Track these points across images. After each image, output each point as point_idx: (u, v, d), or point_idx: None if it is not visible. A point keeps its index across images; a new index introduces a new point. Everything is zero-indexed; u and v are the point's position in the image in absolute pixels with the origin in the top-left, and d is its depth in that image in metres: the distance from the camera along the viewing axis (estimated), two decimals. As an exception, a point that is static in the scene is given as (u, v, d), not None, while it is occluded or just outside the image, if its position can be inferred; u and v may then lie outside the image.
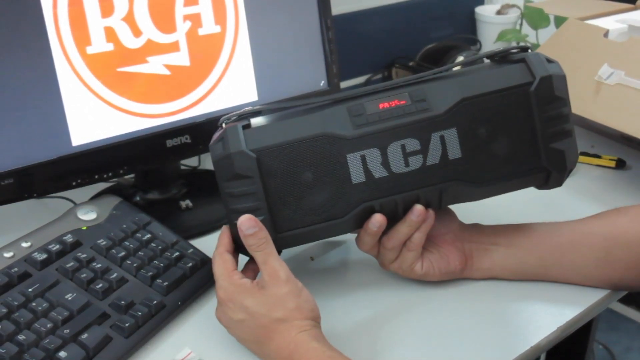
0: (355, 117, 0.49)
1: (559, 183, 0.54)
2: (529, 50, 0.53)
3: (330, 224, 0.50)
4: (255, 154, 0.48)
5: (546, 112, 0.51)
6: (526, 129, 0.51)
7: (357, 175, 0.49)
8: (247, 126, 0.49)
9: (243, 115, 0.50)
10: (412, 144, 0.49)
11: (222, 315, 0.49)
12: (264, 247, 0.48)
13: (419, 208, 0.50)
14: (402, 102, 0.49)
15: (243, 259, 0.52)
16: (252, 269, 0.52)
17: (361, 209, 0.50)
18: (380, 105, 0.49)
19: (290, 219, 0.49)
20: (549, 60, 0.52)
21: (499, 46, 1.10)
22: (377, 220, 0.50)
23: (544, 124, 0.51)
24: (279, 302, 0.46)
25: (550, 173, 0.52)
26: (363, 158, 0.49)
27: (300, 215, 0.49)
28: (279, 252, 0.52)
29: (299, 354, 0.44)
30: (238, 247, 0.51)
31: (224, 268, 0.49)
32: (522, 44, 1.09)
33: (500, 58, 0.54)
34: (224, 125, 0.50)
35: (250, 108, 0.51)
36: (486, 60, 0.56)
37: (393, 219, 0.51)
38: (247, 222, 0.48)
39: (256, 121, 0.50)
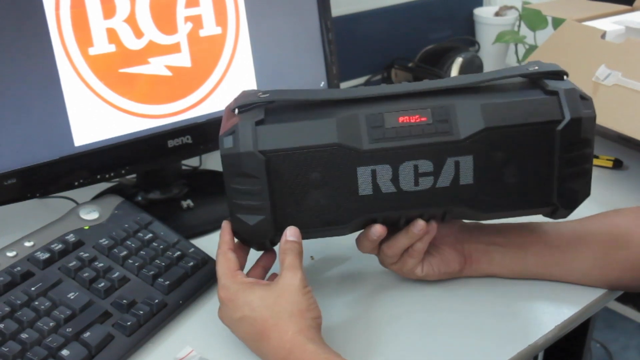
0: (373, 128, 0.47)
1: (564, 216, 0.52)
2: (565, 78, 0.50)
3: (330, 228, 0.50)
4: (265, 155, 0.46)
5: (568, 153, 0.48)
6: (544, 165, 0.49)
7: (364, 188, 0.48)
8: (261, 121, 0.47)
9: (257, 104, 0.48)
10: (426, 165, 0.47)
11: (223, 315, 0.49)
12: (295, 254, 0.48)
13: (421, 223, 0.49)
14: (423, 119, 0.47)
15: (252, 257, 0.52)
16: (262, 266, 0.52)
17: (363, 219, 0.49)
18: (400, 119, 0.47)
19: (292, 220, 0.49)
20: (583, 97, 0.49)
21: (498, 47, 1.11)
22: (377, 230, 0.50)
23: (564, 164, 0.49)
24: (281, 299, 0.46)
25: (558, 208, 0.51)
26: (374, 172, 0.47)
27: (302, 216, 0.49)
28: (275, 244, 0.52)
29: (294, 355, 0.44)
30: (241, 239, 0.51)
31: (227, 267, 0.49)
32: (520, 47, 1.09)
33: (533, 80, 0.50)
34: (236, 111, 0.48)
35: (265, 95, 0.49)
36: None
37: (394, 228, 0.51)
38: (293, 231, 0.49)
39: (270, 112, 0.48)
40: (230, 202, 0.49)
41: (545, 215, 0.53)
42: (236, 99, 0.50)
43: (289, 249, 0.48)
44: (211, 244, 0.61)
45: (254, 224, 0.49)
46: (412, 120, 0.47)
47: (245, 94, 0.51)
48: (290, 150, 0.47)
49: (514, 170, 0.49)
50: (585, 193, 0.51)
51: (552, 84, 0.49)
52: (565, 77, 0.51)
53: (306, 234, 0.50)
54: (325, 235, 0.52)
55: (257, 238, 0.50)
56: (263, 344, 0.46)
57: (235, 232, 0.51)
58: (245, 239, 0.51)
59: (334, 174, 0.47)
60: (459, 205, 0.49)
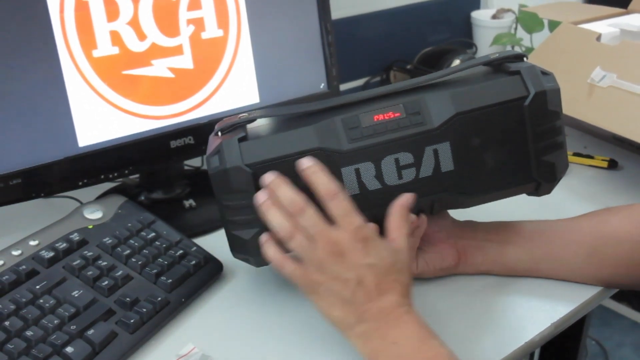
0: (350, 130, 0.48)
1: (548, 191, 0.54)
2: (525, 59, 0.53)
3: None
4: (252, 168, 0.47)
5: (539, 126, 0.50)
6: (518, 142, 0.51)
7: (351, 188, 0.49)
8: (244, 138, 0.49)
9: (238, 124, 0.50)
10: (406, 158, 0.49)
11: (337, 255, 0.44)
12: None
13: (411, 216, 0.50)
14: (396, 115, 0.49)
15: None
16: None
17: None
18: (375, 118, 0.49)
19: None
20: (544, 73, 0.51)
21: (495, 49, 1.11)
22: None
23: (536, 138, 0.50)
24: (406, 264, 0.47)
25: (540, 183, 0.53)
26: (357, 171, 0.48)
27: None
28: None
29: (403, 320, 0.44)
30: (242, 258, 0.51)
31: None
32: (517, 49, 1.10)
33: (496, 65, 0.53)
34: (219, 134, 0.50)
35: (245, 115, 0.51)
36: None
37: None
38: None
39: (252, 131, 0.50)
40: (225, 221, 0.50)
41: (530, 194, 0.55)
42: (218, 125, 0.52)
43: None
44: (213, 242, 0.62)
45: (249, 238, 0.49)
46: (387, 117, 0.49)
47: (226, 120, 0.52)
48: (275, 159, 0.48)
49: (491, 151, 0.50)
50: (564, 165, 0.53)
51: (513, 66, 0.52)
52: (525, 59, 0.53)
53: None
54: None
55: (255, 252, 0.50)
56: (374, 299, 0.44)
57: (233, 251, 0.52)
58: (244, 256, 0.52)
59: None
60: (443, 192, 0.50)
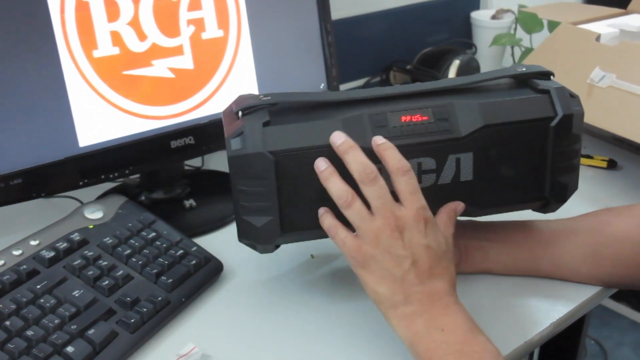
0: (377, 128, 0.48)
1: (554, 210, 0.54)
2: (552, 78, 0.53)
3: None
4: (274, 156, 0.46)
5: (560, 147, 0.50)
6: (537, 160, 0.51)
7: None
8: (267, 123, 0.47)
9: (259, 106, 0.48)
10: (429, 163, 0.49)
11: (396, 230, 0.44)
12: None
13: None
14: (424, 118, 0.48)
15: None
16: None
17: None
18: (403, 119, 0.48)
19: (298, 220, 0.49)
20: (571, 95, 0.51)
21: (494, 50, 1.12)
22: None
23: (555, 158, 0.51)
24: (453, 257, 0.47)
25: (549, 202, 0.53)
26: (380, 171, 0.47)
27: (309, 216, 0.49)
28: (278, 247, 0.52)
29: (452, 310, 0.44)
30: (248, 243, 0.51)
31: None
32: (516, 49, 1.10)
33: (521, 80, 0.53)
34: (240, 114, 0.48)
35: (267, 98, 0.49)
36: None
37: None
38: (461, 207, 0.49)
39: (274, 114, 0.48)
40: (236, 204, 0.49)
41: (536, 210, 0.55)
42: (236, 102, 0.50)
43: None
44: (213, 242, 0.62)
45: (261, 226, 0.49)
46: (415, 120, 0.48)
47: (243, 97, 0.51)
48: (299, 150, 0.47)
49: (509, 165, 0.51)
50: (574, 186, 0.53)
51: (542, 84, 0.52)
52: (552, 77, 0.53)
53: (311, 234, 0.51)
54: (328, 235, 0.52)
55: (264, 240, 0.50)
56: (426, 280, 0.44)
57: (240, 236, 0.51)
58: (251, 242, 0.51)
59: (341, 173, 0.47)
60: (459, 201, 0.50)
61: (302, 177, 0.48)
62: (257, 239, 0.50)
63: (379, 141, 0.46)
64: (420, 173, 0.49)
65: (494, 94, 0.51)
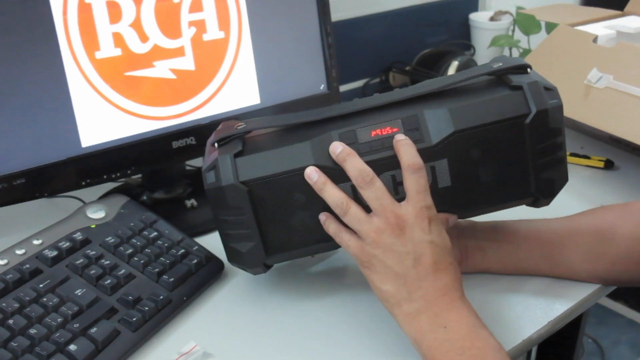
0: (348, 145, 0.47)
1: (546, 204, 0.53)
2: (529, 70, 0.50)
3: (320, 245, 0.51)
4: (247, 185, 0.47)
5: (539, 144, 0.49)
6: (517, 158, 0.49)
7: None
8: (240, 153, 0.48)
9: (235, 135, 0.50)
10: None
11: (397, 228, 0.44)
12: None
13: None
14: (394, 130, 0.48)
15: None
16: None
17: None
18: (373, 133, 0.48)
19: (280, 242, 0.50)
20: (547, 88, 0.49)
21: (493, 51, 1.12)
22: None
23: (536, 155, 0.49)
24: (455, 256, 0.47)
25: (538, 198, 0.52)
26: (353, 188, 0.47)
27: (290, 237, 0.50)
28: (269, 267, 0.53)
29: (456, 305, 0.44)
30: (238, 267, 0.52)
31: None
32: (514, 51, 1.11)
33: (498, 77, 0.51)
34: (215, 145, 0.50)
35: (242, 125, 0.50)
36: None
37: None
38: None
39: (249, 141, 0.49)
40: (221, 233, 0.51)
41: (527, 205, 0.54)
42: (217, 132, 0.51)
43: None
44: (214, 242, 0.62)
45: (246, 251, 0.50)
46: (384, 133, 0.48)
47: (225, 125, 0.52)
48: (270, 177, 0.48)
49: (489, 167, 0.49)
50: (563, 179, 0.52)
51: (516, 79, 0.49)
52: (529, 69, 0.50)
53: (298, 253, 0.52)
54: (317, 252, 0.53)
55: (251, 264, 0.51)
56: (429, 276, 0.44)
57: (229, 260, 0.52)
58: (240, 266, 0.53)
59: (316, 195, 0.48)
60: (440, 207, 0.48)
61: (278, 201, 0.48)
62: (244, 263, 0.52)
63: (399, 137, 0.47)
64: (395, 185, 0.48)
65: (466, 97, 0.50)
